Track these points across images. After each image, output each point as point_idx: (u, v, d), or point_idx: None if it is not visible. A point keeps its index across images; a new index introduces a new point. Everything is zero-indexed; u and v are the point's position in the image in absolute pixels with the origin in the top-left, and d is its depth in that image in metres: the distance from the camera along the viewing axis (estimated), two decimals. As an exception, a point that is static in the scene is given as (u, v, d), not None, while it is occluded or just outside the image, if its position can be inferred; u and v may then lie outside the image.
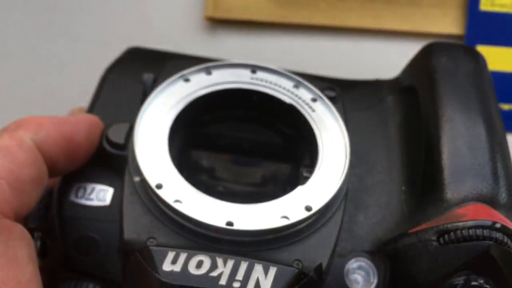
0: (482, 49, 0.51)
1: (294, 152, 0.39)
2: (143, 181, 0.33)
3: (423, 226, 0.32)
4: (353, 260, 0.33)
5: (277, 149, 0.40)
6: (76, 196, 0.35)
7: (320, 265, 0.32)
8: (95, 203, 0.35)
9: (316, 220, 0.33)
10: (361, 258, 0.33)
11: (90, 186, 0.35)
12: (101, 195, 0.35)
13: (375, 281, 0.33)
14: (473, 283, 0.30)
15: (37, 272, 0.29)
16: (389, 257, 0.33)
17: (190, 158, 0.40)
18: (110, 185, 0.35)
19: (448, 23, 0.51)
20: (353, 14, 0.51)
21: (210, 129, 0.40)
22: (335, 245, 0.33)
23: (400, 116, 0.39)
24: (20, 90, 0.50)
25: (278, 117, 0.39)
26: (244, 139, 0.40)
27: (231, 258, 0.30)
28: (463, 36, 0.51)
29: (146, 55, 0.42)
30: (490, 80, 0.39)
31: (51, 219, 0.35)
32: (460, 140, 0.35)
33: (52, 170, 0.33)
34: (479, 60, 0.39)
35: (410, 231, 0.33)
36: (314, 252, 0.32)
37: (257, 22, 0.51)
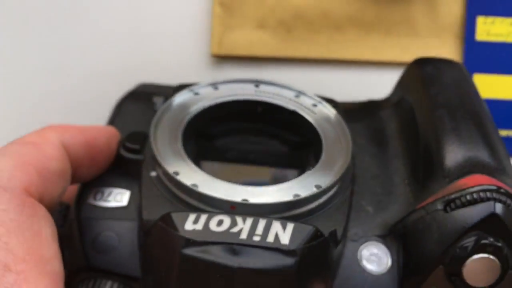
0: (480, 78, 0.52)
1: (300, 158, 0.41)
2: (160, 175, 0.35)
3: (429, 200, 0.33)
4: (365, 244, 0.34)
5: (283, 157, 0.42)
6: (95, 199, 0.36)
7: (335, 231, 0.33)
8: (112, 204, 0.36)
9: (327, 201, 0.35)
10: (374, 242, 0.34)
11: (107, 190, 0.37)
12: (118, 197, 0.36)
13: (389, 262, 0.34)
14: (484, 241, 0.31)
15: (60, 253, 0.30)
16: (400, 236, 0.34)
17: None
18: (127, 188, 0.37)
19: (446, 53, 0.52)
20: (352, 47, 0.53)
21: (218, 142, 0.42)
22: (347, 222, 0.35)
23: (395, 124, 0.41)
24: (33, 127, 0.51)
25: (282, 125, 0.41)
26: (251, 150, 0.42)
27: (250, 217, 0.31)
28: (461, 65, 0.52)
29: (156, 88, 0.44)
30: (472, 83, 0.41)
31: (69, 225, 0.36)
32: (451, 124, 0.37)
33: (75, 174, 0.35)
34: (461, 68, 0.42)
35: (417, 207, 0.34)
36: (327, 224, 0.33)
37: (261, 57, 0.53)
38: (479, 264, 0.31)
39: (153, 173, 0.36)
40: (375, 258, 0.34)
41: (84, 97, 0.53)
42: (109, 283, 0.34)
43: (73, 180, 0.35)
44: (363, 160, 0.39)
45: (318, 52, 0.53)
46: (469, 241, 0.31)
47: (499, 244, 0.31)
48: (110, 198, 0.36)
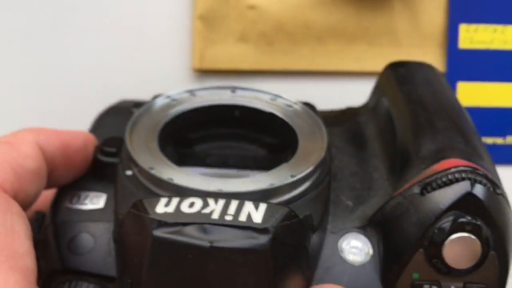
0: (464, 85, 0.52)
1: (279, 160, 0.41)
2: (135, 173, 0.35)
3: (405, 186, 0.33)
4: (346, 235, 0.34)
5: (262, 160, 0.42)
6: (71, 202, 0.36)
7: (310, 215, 0.32)
8: (89, 206, 0.36)
9: (303, 192, 0.34)
10: (354, 233, 0.34)
11: (84, 194, 0.36)
12: (95, 200, 0.36)
13: (370, 252, 0.33)
14: (461, 220, 0.31)
15: (33, 250, 0.30)
16: (380, 224, 0.34)
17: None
18: (104, 191, 0.36)
19: (429, 62, 0.52)
20: (334, 58, 0.53)
21: (197, 147, 0.42)
22: (325, 211, 0.34)
23: (372, 126, 0.41)
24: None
25: (260, 128, 0.42)
26: (231, 154, 0.42)
27: (222, 199, 0.31)
28: (444, 74, 0.52)
29: (137, 104, 0.44)
30: (444, 81, 0.42)
31: (45, 229, 0.35)
32: (425, 116, 0.37)
33: (52, 175, 0.35)
34: (432, 68, 0.44)
35: (395, 194, 0.34)
36: (303, 212, 0.32)
37: (243, 71, 0.53)
38: (458, 244, 0.31)
39: (129, 172, 0.35)
40: (355, 249, 0.34)
41: (67, 114, 0.53)
42: (84, 285, 0.34)
43: (50, 183, 0.35)
44: (342, 159, 0.39)
45: (301, 64, 0.53)
46: (446, 221, 0.31)
47: (478, 223, 0.31)
48: (87, 201, 0.36)
